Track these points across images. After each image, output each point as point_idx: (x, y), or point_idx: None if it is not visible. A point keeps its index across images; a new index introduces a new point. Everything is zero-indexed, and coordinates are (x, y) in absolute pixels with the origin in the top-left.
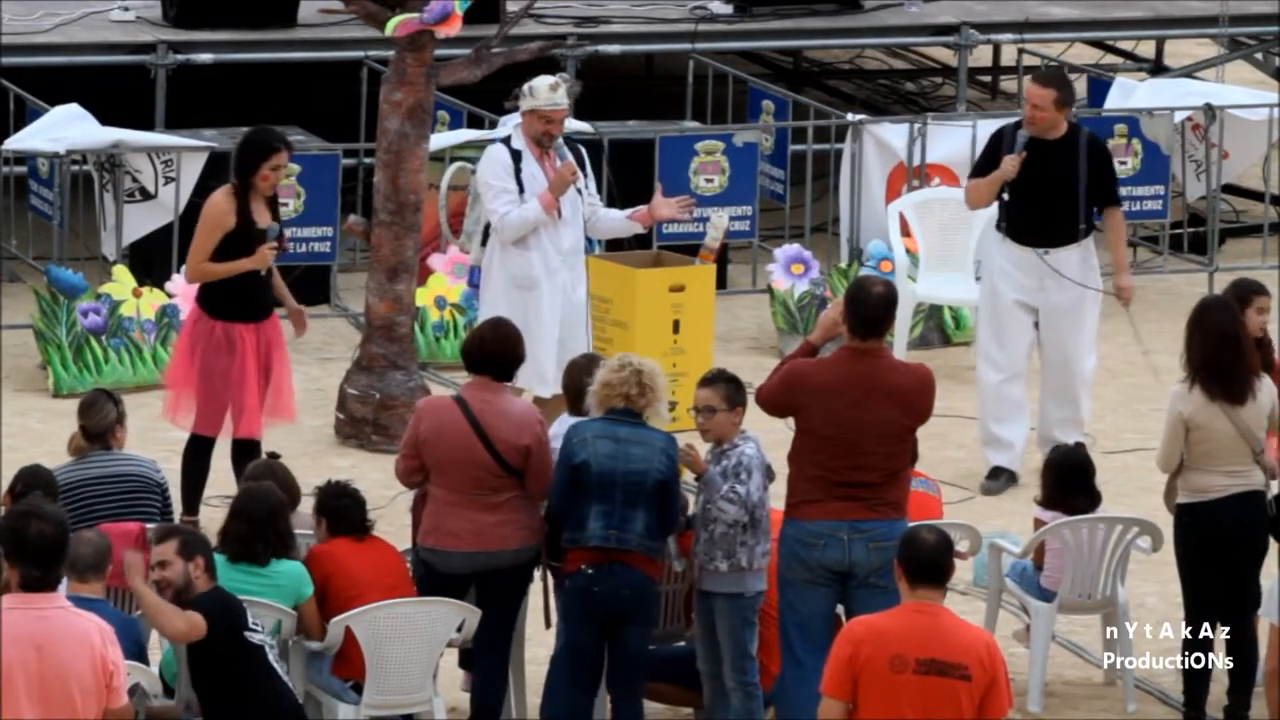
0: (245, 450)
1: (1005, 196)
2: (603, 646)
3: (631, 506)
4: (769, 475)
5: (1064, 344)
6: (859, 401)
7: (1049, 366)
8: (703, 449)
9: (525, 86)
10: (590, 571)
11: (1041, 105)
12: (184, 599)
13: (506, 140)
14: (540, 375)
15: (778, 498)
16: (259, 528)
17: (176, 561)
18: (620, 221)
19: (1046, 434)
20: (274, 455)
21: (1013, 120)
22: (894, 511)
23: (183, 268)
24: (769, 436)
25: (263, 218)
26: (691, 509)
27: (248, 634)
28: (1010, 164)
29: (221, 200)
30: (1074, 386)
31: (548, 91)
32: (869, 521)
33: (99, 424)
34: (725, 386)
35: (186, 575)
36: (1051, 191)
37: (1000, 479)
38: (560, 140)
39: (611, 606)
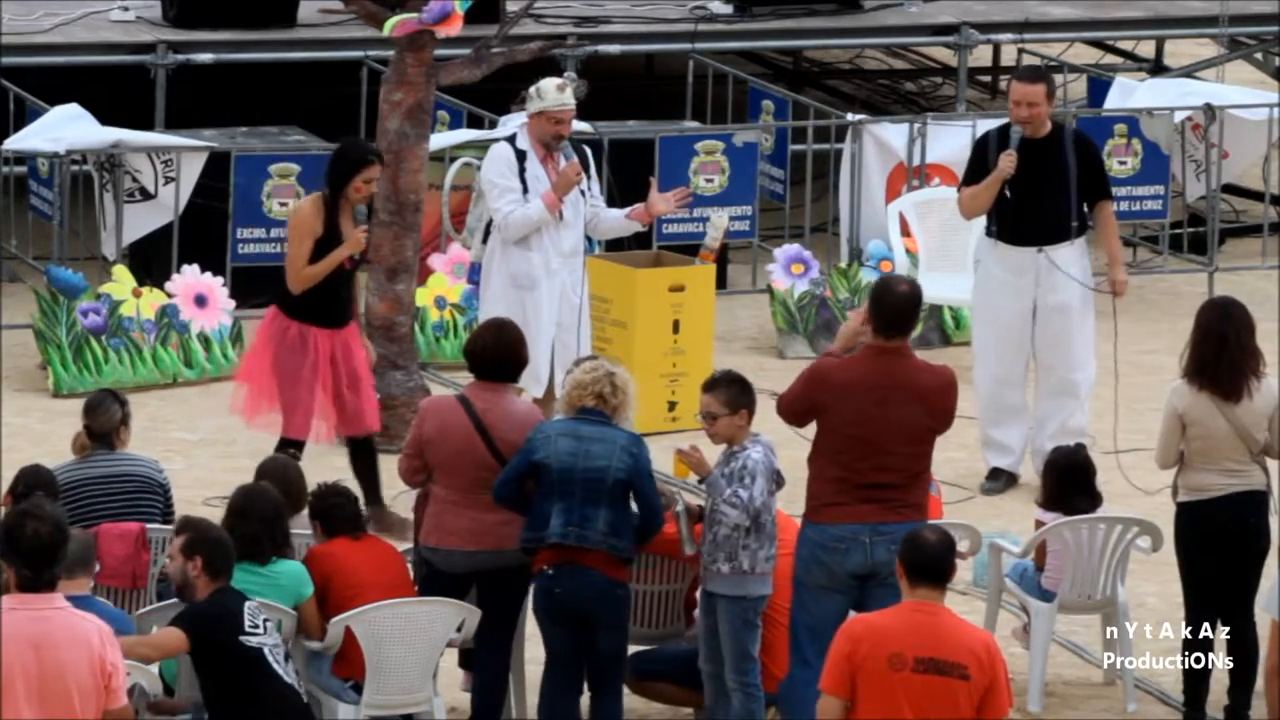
0: (359, 452)
1: (1007, 193)
2: (580, 647)
3: (592, 504)
4: (777, 480)
5: (1057, 348)
6: (883, 400)
7: (1043, 371)
8: (716, 451)
9: (532, 89)
10: (551, 572)
11: (1035, 101)
12: (185, 597)
13: (511, 139)
14: (534, 375)
15: (785, 501)
16: (267, 527)
17: (177, 558)
18: (620, 220)
19: (1040, 446)
20: (295, 455)
21: (997, 126)
22: (916, 514)
23: (183, 267)
24: (777, 436)
25: (349, 228)
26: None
27: (244, 638)
28: (1007, 161)
29: (308, 208)
30: (1068, 394)
31: (556, 92)
32: (891, 524)
33: (104, 424)
34: (726, 390)
35: (184, 573)
36: (1045, 189)
37: (1000, 480)
38: (565, 141)
39: (576, 609)
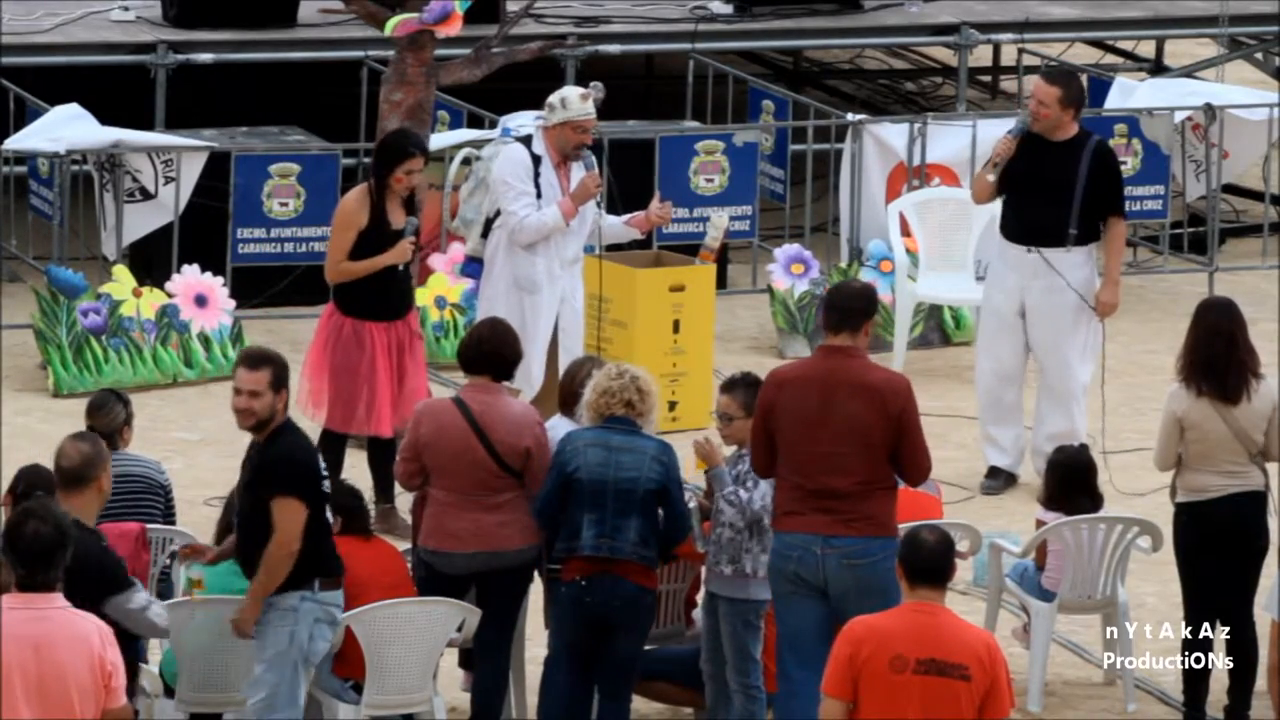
0: (380, 448)
1: (990, 177)
2: (595, 646)
3: (623, 515)
4: None
5: (1049, 348)
6: (828, 394)
7: (1040, 372)
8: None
9: (555, 98)
10: (584, 583)
11: (1046, 102)
12: (259, 430)
13: (527, 142)
14: (528, 378)
15: None
16: None
17: (267, 394)
18: (620, 228)
19: (1038, 445)
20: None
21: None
22: (872, 529)
23: (183, 267)
24: None
25: (397, 217)
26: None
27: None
28: (1002, 145)
29: (353, 200)
30: (1062, 396)
31: (580, 103)
32: (842, 538)
33: (108, 425)
34: (744, 393)
35: (273, 408)
36: (1044, 191)
37: (999, 479)
38: (587, 150)
39: (601, 616)
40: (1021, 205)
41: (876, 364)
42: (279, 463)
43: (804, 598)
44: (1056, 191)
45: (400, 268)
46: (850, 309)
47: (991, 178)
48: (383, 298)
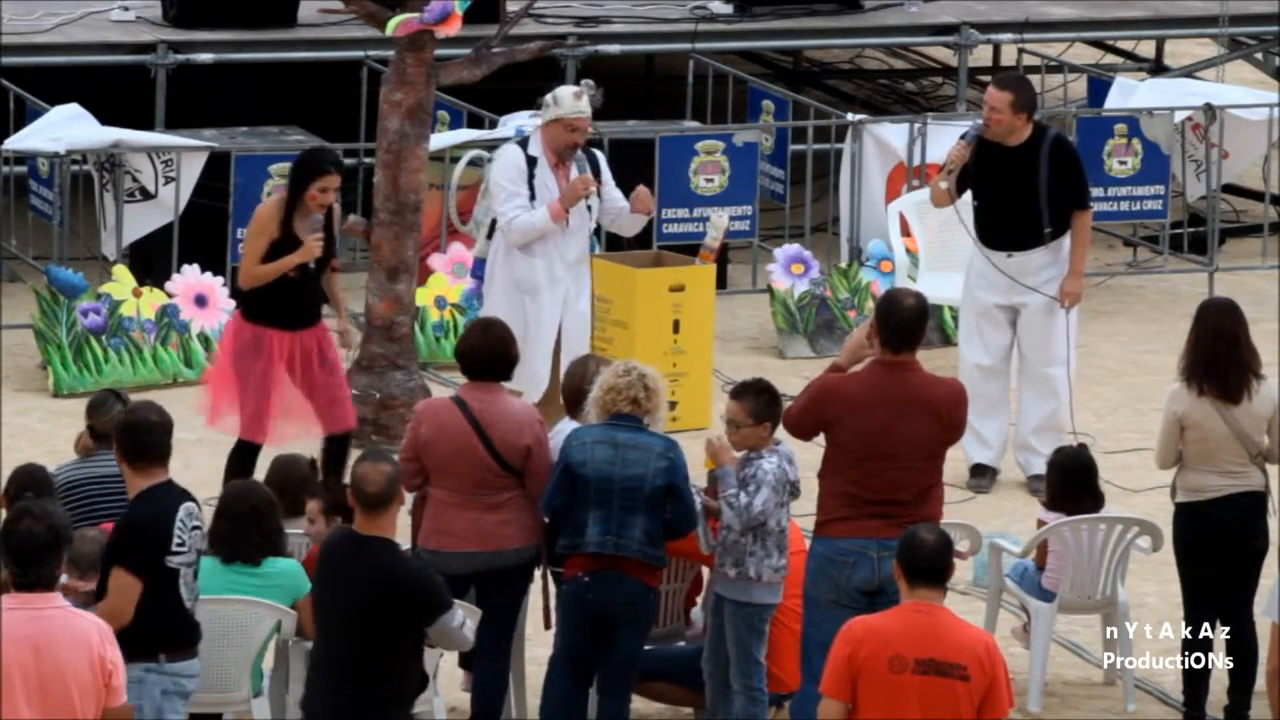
0: (244, 453)
1: (970, 196)
2: (597, 647)
3: (629, 512)
4: (791, 491)
5: (1036, 347)
6: (894, 415)
7: (1024, 370)
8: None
9: (549, 96)
10: (587, 579)
11: (998, 108)
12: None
13: (523, 143)
14: (533, 380)
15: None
16: (240, 526)
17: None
18: (631, 215)
19: (1023, 440)
20: (313, 463)
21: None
22: None
23: (183, 267)
24: (795, 441)
25: (305, 232)
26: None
27: (168, 559)
28: (955, 151)
29: (269, 209)
30: (1049, 392)
31: (572, 100)
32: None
33: (108, 424)
34: (752, 401)
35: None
36: (1012, 196)
37: (985, 476)
38: (580, 151)
39: (605, 612)
40: (993, 212)
41: (932, 374)
42: (119, 528)
43: (843, 608)
44: (1021, 195)
45: (307, 274)
46: (910, 331)
47: (945, 185)
48: (285, 306)
